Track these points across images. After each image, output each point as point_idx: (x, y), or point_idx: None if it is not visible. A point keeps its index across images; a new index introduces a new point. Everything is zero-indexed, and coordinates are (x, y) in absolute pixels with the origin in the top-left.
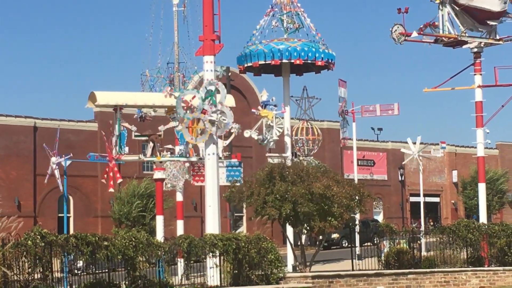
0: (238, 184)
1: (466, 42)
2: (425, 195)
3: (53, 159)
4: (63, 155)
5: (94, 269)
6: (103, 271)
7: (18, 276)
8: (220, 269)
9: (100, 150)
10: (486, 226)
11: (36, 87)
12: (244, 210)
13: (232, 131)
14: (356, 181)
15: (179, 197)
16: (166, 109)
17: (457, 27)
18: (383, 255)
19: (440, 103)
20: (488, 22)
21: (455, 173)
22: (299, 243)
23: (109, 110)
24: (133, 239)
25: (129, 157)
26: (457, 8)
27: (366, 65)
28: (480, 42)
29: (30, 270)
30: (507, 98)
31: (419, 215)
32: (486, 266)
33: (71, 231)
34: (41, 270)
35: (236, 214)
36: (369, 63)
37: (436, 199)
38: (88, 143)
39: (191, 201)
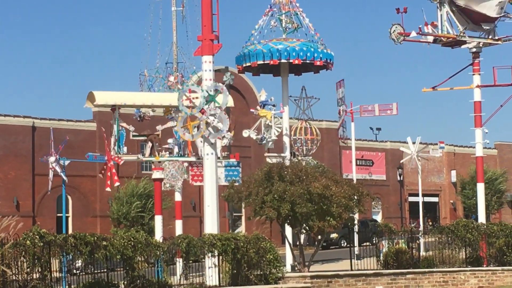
0: (236, 184)
1: (465, 42)
2: (423, 195)
3: (52, 158)
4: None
5: (92, 269)
6: (102, 271)
7: (17, 276)
8: (218, 269)
9: (98, 150)
10: (485, 226)
11: (35, 87)
12: (243, 210)
13: (224, 139)
14: (354, 181)
15: (178, 197)
16: (164, 109)
17: (456, 27)
18: (381, 255)
19: (438, 103)
20: (482, 25)
21: (453, 173)
22: (297, 243)
23: (108, 110)
24: (132, 239)
25: (127, 157)
26: (454, 9)
27: (364, 65)
28: (479, 42)
29: (28, 270)
30: (506, 98)
31: (418, 215)
32: (484, 266)
33: (70, 231)
34: (39, 270)
35: (235, 214)
36: (367, 63)
37: (435, 199)
38: (86, 143)
39: (190, 201)
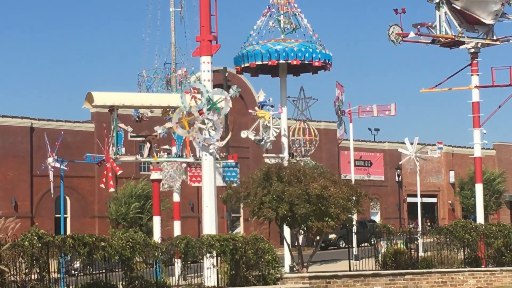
0: (234, 185)
1: (463, 43)
2: (422, 196)
3: (50, 159)
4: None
5: (91, 270)
6: (100, 271)
7: (15, 277)
8: (217, 270)
9: (96, 150)
10: (483, 227)
11: (33, 88)
12: (241, 211)
13: (210, 147)
14: (353, 182)
15: (176, 197)
16: (162, 110)
17: (454, 28)
18: (380, 255)
19: (437, 104)
20: (475, 27)
21: (452, 173)
22: (296, 244)
23: (106, 110)
24: (130, 239)
25: (126, 157)
26: (453, 10)
27: (363, 66)
28: (477, 43)
29: (27, 271)
30: (504, 98)
31: (416, 216)
32: (483, 266)
33: (68, 232)
34: (38, 270)
35: (233, 215)
36: (366, 63)
37: (433, 200)
38: (84, 144)
39: (188, 201)
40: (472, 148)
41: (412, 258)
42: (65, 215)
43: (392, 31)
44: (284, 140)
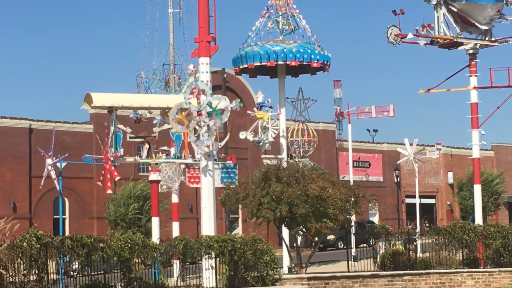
0: (233, 186)
1: (461, 44)
2: (420, 197)
3: (48, 160)
4: (58, 155)
5: (89, 271)
6: (99, 273)
7: (14, 278)
8: (215, 271)
9: (95, 151)
10: (482, 228)
11: (32, 89)
12: (240, 212)
13: (199, 151)
14: (351, 183)
15: (175, 198)
16: (161, 111)
17: (453, 29)
18: (378, 256)
19: (435, 105)
20: (469, 30)
21: (450, 174)
22: (294, 245)
23: (105, 112)
24: (129, 240)
25: (125, 158)
26: (450, 11)
27: (361, 67)
28: (476, 44)
29: (25, 272)
30: (503, 99)
31: (415, 217)
32: (481, 267)
33: (67, 233)
34: (36, 272)
35: (231, 216)
36: (364, 64)
37: (432, 201)
38: (83, 145)
39: (187, 202)
40: (471, 149)
41: (410, 259)
42: (63, 216)
43: (391, 33)
44: (283, 141)
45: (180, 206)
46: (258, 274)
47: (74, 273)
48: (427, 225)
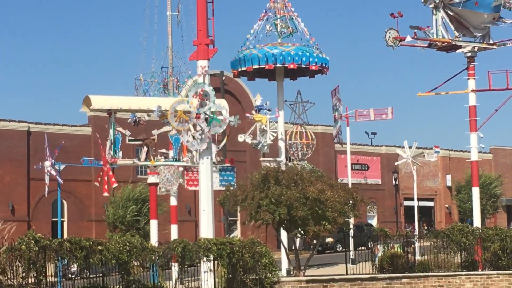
0: (232, 188)
1: (459, 47)
2: (419, 199)
3: (47, 163)
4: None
5: (88, 274)
6: (97, 275)
7: (12, 280)
8: (214, 274)
9: (94, 154)
10: (480, 230)
11: (30, 92)
12: (238, 214)
13: (231, 123)
14: (350, 186)
15: (173, 201)
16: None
17: (451, 32)
18: (377, 259)
19: (434, 108)
20: (464, 33)
21: (449, 177)
22: (293, 247)
23: (103, 114)
24: (127, 243)
25: (123, 161)
26: (450, 14)
27: (360, 69)
28: (474, 47)
29: (24, 274)
30: (501, 102)
31: (413, 219)
32: (480, 270)
33: (65, 236)
34: (35, 274)
35: (230, 219)
36: (363, 67)
37: (430, 203)
38: (82, 148)
39: (185, 205)
40: (469, 152)
41: (409, 262)
42: (62, 219)
43: (389, 36)
44: (281, 144)
45: (179, 208)
46: (257, 277)
47: (73, 276)
48: (426, 227)
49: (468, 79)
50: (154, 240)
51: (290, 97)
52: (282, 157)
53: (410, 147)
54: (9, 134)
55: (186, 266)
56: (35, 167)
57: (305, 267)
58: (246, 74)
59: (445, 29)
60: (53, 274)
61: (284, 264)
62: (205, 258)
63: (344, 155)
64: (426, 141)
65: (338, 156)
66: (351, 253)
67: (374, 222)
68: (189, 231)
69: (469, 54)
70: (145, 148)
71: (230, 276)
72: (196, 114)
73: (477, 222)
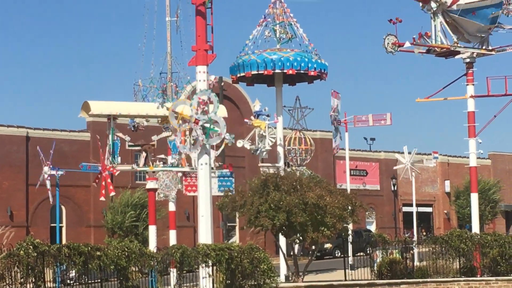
0: (230, 194)
1: (458, 53)
2: (417, 205)
3: (46, 169)
4: (54, 167)
5: (86, 279)
6: (96, 281)
7: (11, 286)
8: (213, 279)
9: (92, 159)
10: (479, 236)
11: (29, 97)
12: (237, 220)
13: (226, 141)
14: (348, 191)
15: (172, 207)
16: (160, 119)
17: (450, 37)
18: (375, 265)
19: (432, 113)
20: (461, 39)
21: (447, 183)
22: (291, 253)
23: (102, 120)
24: (126, 249)
25: (122, 167)
26: (448, 20)
27: (358, 75)
28: (473, 53)
29: (22, 280)
30: (500, 108)
31: (412, 225)
32: (478, 276)
33: (64, 241)
34: (33, 280)
35: (229, 224)
36: (361, 73)
37: (429, 209)
38: (80, 153)
39: (184, 211)
40: (468, 157)
41: (407, 268)
42: (60, 224)
43: (388, 42)
44: (280, 149)
45: (177, 214)
46: (255, 283)
47: (71, 282)
48: (424, 233)
49: (467, 85)
50: (152, 245)
51: (289, 102)
52: (281, 163)
53: (409, 153)
54: (8, 140)
55: (184, 271)
56: (38, 183)
57: (304, 273)
58: (245, 80)
59: (443, 35)
60: (51, 279)
61: (283, 270)
62: (203, 264)
63: (343, 161)
64: (424, 147)
65: (337, 162)
66: (350, 259)
67: (372, 228)
68: (188, 236)
69: (467, 60)
70: (144, 154)
71: (229, 281)
72: (196, 119)
73: (475, 228)
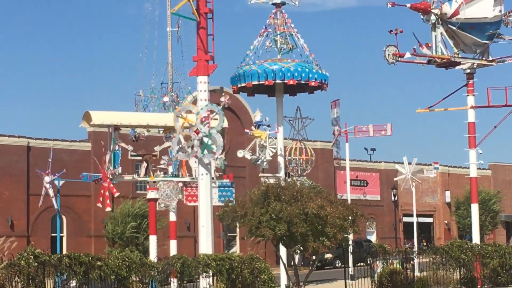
0: (230, 204)
1: (459, 63)
2: (418, 216)
3: (47, 178)
4: (56, 174)
5: None
6: None
7: None
8: None
9: (93, 170)
10: (479, 247)
11: (30, 107)
12: (238, 230)
13: (217, 161)
14: (349, 202)
15: (172, 217)
16: (163, 129)
17: (450, 48)
18: (376, 275)
19: (433, 124)
20: (458, 49)
21: (448, 193)
22: (292, 263)
23: (103, 130)
24: (127, 259)
25: (123, 176)
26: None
27: (359, 86)
28: (473, 63)
29: None
30: (500, 118)
31: (412, 236)
32: (479, 286)
33: (64, 251)
34: None
35: (229, 234)
36: (362, 83)
37: (429, 220)
38: (81, 163)
39: (185, 221)
40: (468, 168)
41: (408, 278)
42: (61, 234)
43: (388, 53)
44: (281, 159)
45: (178, 224)
46: None
47: None
48: (425, 244)
49: (467, 95)
50: (153, 255)
51: (289, 113)
52: (282, 173)
53: (410, 163)
54: (9, 149)
55: (185, 281)
56: (41, 198)
57: (304, 283)
58: (246, 90)
59: (444, 45)
60: None
61: (283, 280)
62: (204, 274)
63: (343, 171)
64: (425, 157)
65: (338, 172)
66: (350, 269)
67: (373, 238)
68: (188, 246)
69: (468, 71)
70: (145, 164)
71: None
72: (197, 129)
73: (476, 238)
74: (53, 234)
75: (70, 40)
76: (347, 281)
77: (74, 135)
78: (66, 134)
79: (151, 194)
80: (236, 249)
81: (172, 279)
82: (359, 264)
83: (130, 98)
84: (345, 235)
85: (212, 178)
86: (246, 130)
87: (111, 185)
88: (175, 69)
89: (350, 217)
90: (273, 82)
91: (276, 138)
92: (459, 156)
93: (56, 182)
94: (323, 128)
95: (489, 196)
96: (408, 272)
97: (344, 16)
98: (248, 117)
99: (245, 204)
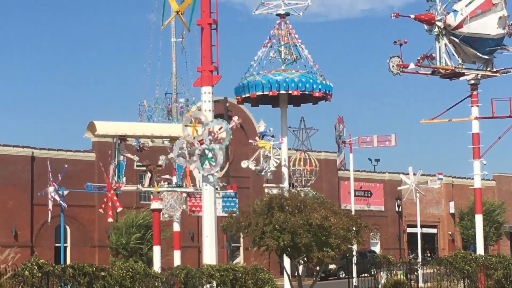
0: (234, 214)
1: (463, 74)
2: (422, 226)
3: (51, 188)
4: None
5: None
6: None
7: None
8: None
9: (97, 180)
10: (483, 258)
11: (34, 117)
12: (241, 241)
13: (209, 177)
14: (353, 212)
15: (176, 227)
16: (168, 139)
17: (454, 59)
18: (380, 286)
19: (437, 135)
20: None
21: (452, 204)
22: (296, 274)
23: (107, 140)
24: (130, 269)
25: (127, 187)
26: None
27: (363, 96)
28: (477, 74)
29: None
30: (504, 129)
31: (416, 246)
32: None
33: (68, 261)
34: None
35: (233, 245)
36: (366, 94)
37: (433, 230)
38: (85, 173)
39: (188, 231)
40: (472, 179)
41: None
42: (65, 244)
43: (393, 65)
44: (285, 170)
45: (182, 234)
46: None
47: None
48: (429, 255)
49: (472, 106)
50: (157, 266)
51: (293, 123)
52: (286, 184)
53: (414, 174)
54: (13, 160)
55: None
56: (39, 193)
57: None
58: (250, 101)
59: (448, 56)
60: None
61: None
62: (208, 285)
63: (347, 182)
64: (429, 168)
65: (342, 183)
66: (354, 280)
67: (377, 249)
68: (192, 257)
69: (472, 82)
70: (149, 174)
71: None
72: (200, 140)
73: (480, 249)
74: (57, 244)
75: (74, 50)
76: None
77: (78, 145)
78: (71, 144)
79: (155, 204)
80: (240, 260)
81: None
82: (363, 275)
83: (135, 109)
84: (349, 246)
85: (216, 189)
86: (250, 141)
87: (115, 197)
88: (179, 79)
89: (354, 228)
90: (277, 92)
91: (280, 148)
92: (463, 167)
93: (58, 196)
94: (327, 138)
95: (493, 207)
96: (412, 283)
97: (348, 27)
98: (252, 127)
99: (249, 214)
